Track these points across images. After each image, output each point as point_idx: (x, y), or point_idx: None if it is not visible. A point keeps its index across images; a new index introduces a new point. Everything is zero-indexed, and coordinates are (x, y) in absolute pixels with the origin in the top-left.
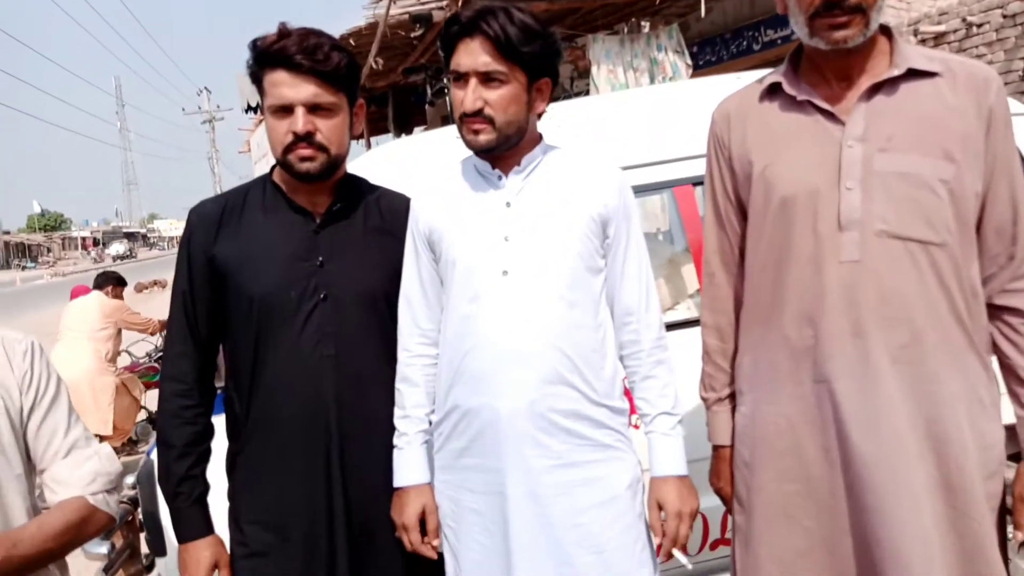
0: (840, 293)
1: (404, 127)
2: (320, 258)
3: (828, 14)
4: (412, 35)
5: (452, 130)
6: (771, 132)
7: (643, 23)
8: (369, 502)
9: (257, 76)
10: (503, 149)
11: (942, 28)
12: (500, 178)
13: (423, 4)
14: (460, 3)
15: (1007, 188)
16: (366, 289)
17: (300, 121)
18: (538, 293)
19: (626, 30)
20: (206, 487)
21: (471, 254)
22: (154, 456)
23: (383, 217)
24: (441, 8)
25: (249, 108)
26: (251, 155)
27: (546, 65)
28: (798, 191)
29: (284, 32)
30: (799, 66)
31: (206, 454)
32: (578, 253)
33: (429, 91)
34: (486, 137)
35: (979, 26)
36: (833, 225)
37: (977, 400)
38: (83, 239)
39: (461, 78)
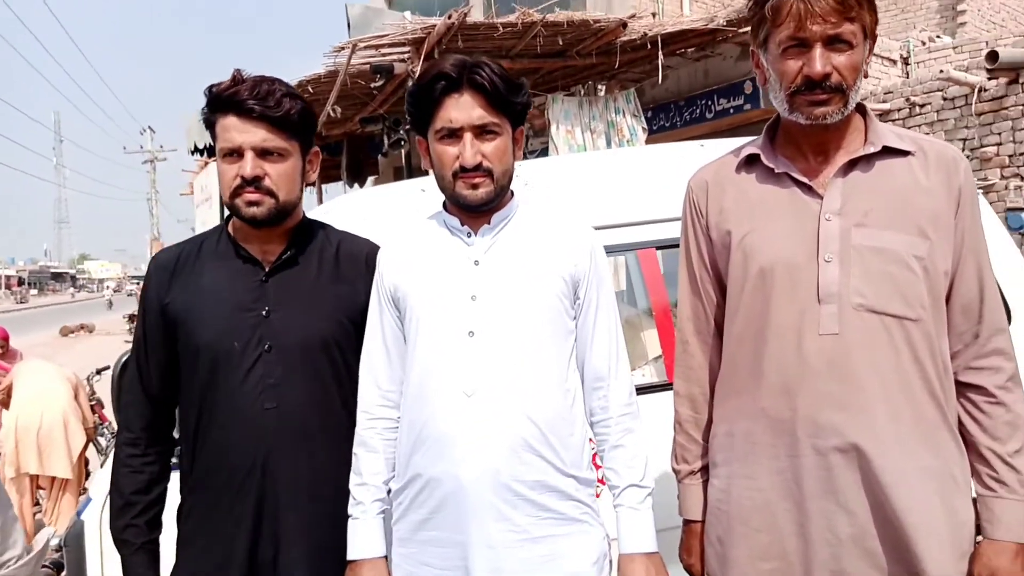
0: (820, 366)
1: (357, 177)
2: (266, 307)
3: (809, 91)
4: (372, 85)
5: (418, 183)
6: (749, 202)
7: (599, 86)
8: (304, 568)
9: (210, 121)
10: (495, 203)
11: (887, 106)
12: (469, 235)
13: (384, 56)
14: (423, 56)
15: (974, 267)
16: (314, 339)
17: (248, 165)
18: (505, 355)
19: (583, 92)
20: (152, 536)
21: (437, 313)
22: (84, 517)
23: (339, 264)
24: (403, 60)
25: (196, 150)
26: (193, 198)
27: (525, 115)
28: (776, 262)
29: (238, 78)
30: (775, 139)
31: (154, 503)
32: (548, 315)
33: (386, 141)
34: (486, 190)
35: (921, 106)
36: (812, 297)
37: (950, 477)
38: (7, 278)
39: (453, 134)
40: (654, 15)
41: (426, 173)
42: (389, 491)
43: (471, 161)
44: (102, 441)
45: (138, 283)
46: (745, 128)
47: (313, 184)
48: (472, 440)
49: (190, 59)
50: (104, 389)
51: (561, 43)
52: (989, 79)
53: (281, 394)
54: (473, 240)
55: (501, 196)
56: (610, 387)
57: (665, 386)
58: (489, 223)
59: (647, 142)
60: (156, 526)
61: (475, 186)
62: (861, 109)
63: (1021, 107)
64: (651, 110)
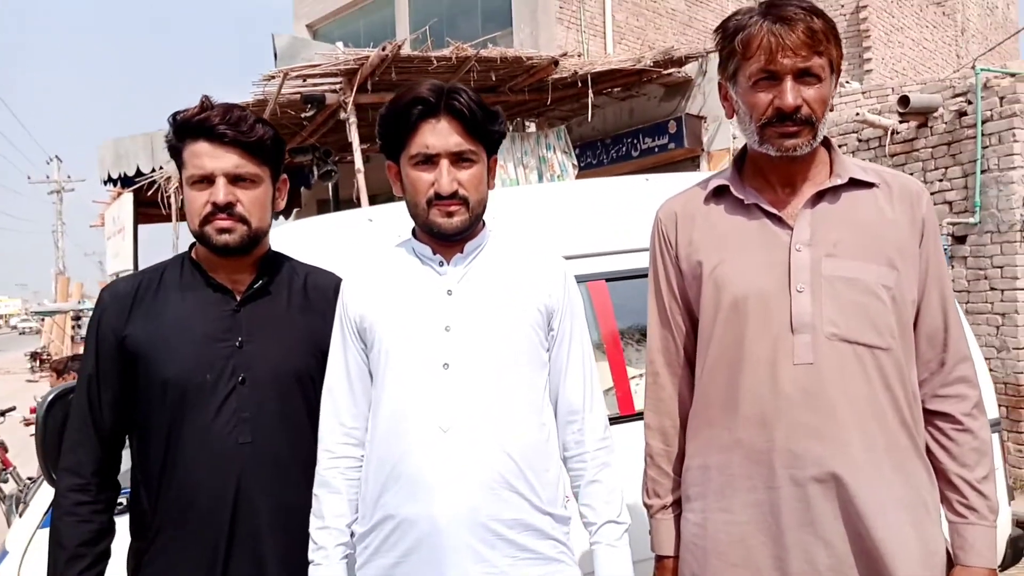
0: (796, 396)
1: (283, 209)
2: (239, 338)
3: (780, 124)
4: (303, 115)
5: (364, 212)
6: (719, 233)
7: (528, 123)
8: None
9: (176, 149)
10: (469, 232)
11: None
12: (441, 264)
13: (315, 86)
14: (355, 87)
15: (938, 296)
16: (289, 370)
17: (221, 191)
18: (482, 388)
19: (512, 128)
20: None
21: (408, 344)
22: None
23: (308, 295)
24: (334, 91)
25: (109, 180)
26: (104, 229)
27: (499, 144)
28: (749, 292)
29: (207, 104)
30: (743, 171)
31: (102, 557)
32: (524, 346)
33: (316, 172)
34: (460, 219)
35: (839, 147)
36: (785, 327)
37: (922, 505)
38: None
39: (429, 160)
40: (579, 55)
41: (352, 205)
42: (352, 534)
43: (447, 188)
44: (4, 487)
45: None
46: (670, 166)
47: (283, 213)
48: (449, 478)
49: (102, 88)
50: (7, 432)
51: (494, 78)
52: (901, 122)
53: (256, 428)
54: (446, 269)
55: (475, 225)
56: (585, 420)
57: (617, 419)
58: (462, 252)
59: (577, 178)
60: None
61: (450, 214)
62: (826, 142)
63: (930, 149)
64: (579, 147)
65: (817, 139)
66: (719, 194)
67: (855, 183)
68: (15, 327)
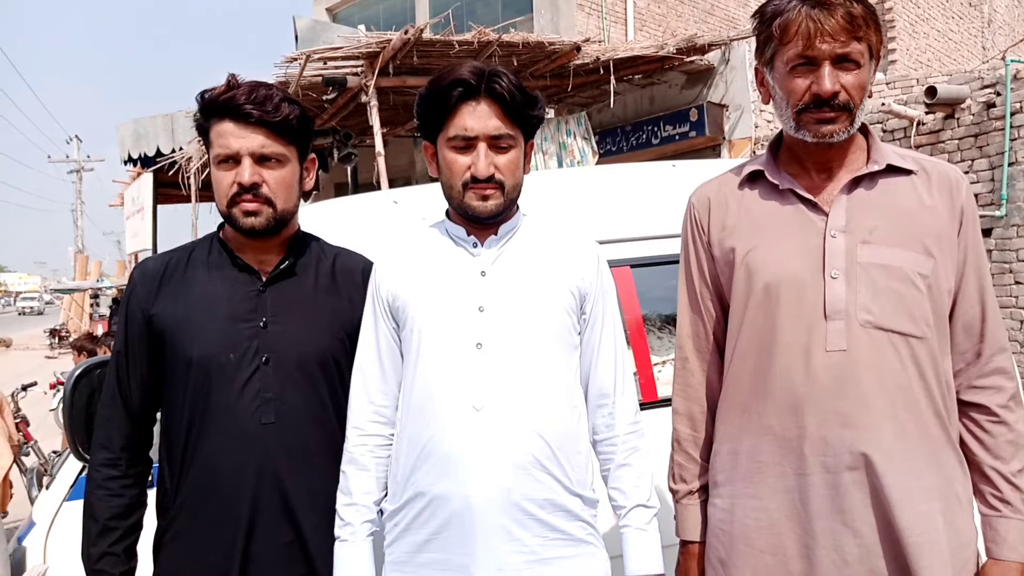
0: (828, 383)
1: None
2: (264, 319)
3: (817, 109)
4: (324, 98)
5: (389, 194)
6: (753, 218)
7: (549, 109)
8: None
9: (203, 128)
10: (504, 216)
11: None
12: (475, 245)
13: (337, 69)
14: (377, 71)
15: (976, 286)
16: (313, 352)
17: (247, 171)
18: (515, 369)
19: None
20: (131, 566)
21: (442, 324)
22: (27, 543)
23: (335, 277)
24: (356, 74)
25: (129, 160)
26: (124, 209)
27: (536, 128)
28: (782, 278)
29: (233, 83)
30: (778, 156)
31: (133, 529)
32: (556, 328)
33: (336, 155)
34: (495, 203)
35: None
36: (818, 314)
37: (954, 496)
38: None
39: (467, 143)
40: (600, 42)
41: (371, 189)
42: (380, 512)
43: (484, 172)
44: (26, 461)
45: (59, 296)
46: (690, 154)
47: (311, 192)
48: (482, 457)
49: (121, 69)
50: (29, 406)
51: (516, 63)
52: (927, 113)
53: (280, 408)
54: (479, 251)
55: (509, 209)
56: (616, 404)
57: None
58: (496, 234)
59: (597, 165)
60: (134, 555)
61: (485, 197)
62: (863, 128)
63: (956, 140)
64: (599, 134)
65: (855, 126)
66: (753, 179)
67: (892, 170)
68: (22, 307)
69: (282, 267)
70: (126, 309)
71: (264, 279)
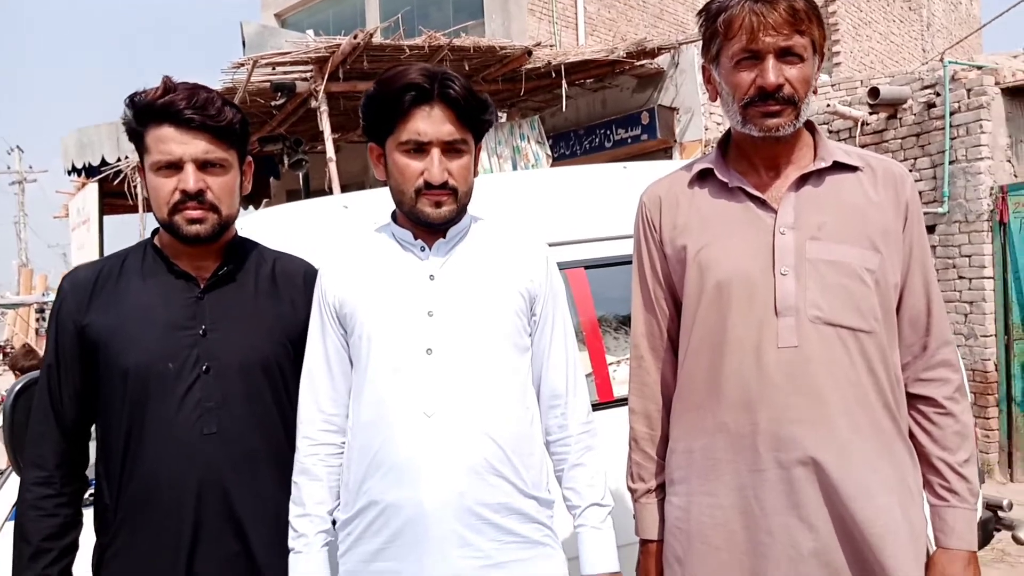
0: (780, 379)
1: (252, 199)
2: (203, 326)
3: (762, 103)
4: (272, 103)
5: (339, 199)
6: (703, 217)
7: (501, 113)
8: None
9: (138, 133)
10: (456, 221)
11: None
12: (423, 249)
13: (286, 74)
14: (326, 76)
15: (921, 280)
16: (255, 359)
17: (191, 178)
18: (466, 373)
19: None
20: None
21: (391, 329)
22: None
23: (276, 281)
24: (305, 79)
25: (73, 170)
26: (69, 221)
27: (486, 131)
28: (733, 275)
29: (170, 86)
30: (727, 154)
31: (68, 550)
32: (507, 331)
33: (286, 161)
34: (448, 208)
35: None
36: (769, 310)
37: (906, 487)
38: None
39: (418, 148)
40: (551, 46)
41: (323, 195)
42: (333, 522)
43: (438, 179)
44: None
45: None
46: (642, 157)
47: (251, 203)
48: (434, 463)
49: (64, 77)
50: None
51: (467, 68)
52: (871, 114)
53: (222, 418)
54: (427, 255)
55: (461, 215)
56: (568, 404)
57: (596, 405)
58: (444, 237)
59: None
60: None
61: (439, 204)
62: (809, 126)
63: (899, 140)
64: (552, 138)
65: (800, 119)
66: (703, 177)
67: (839, 166)
68: None
69: (220, 273)
70: (56, 320)
71: (202, 286)
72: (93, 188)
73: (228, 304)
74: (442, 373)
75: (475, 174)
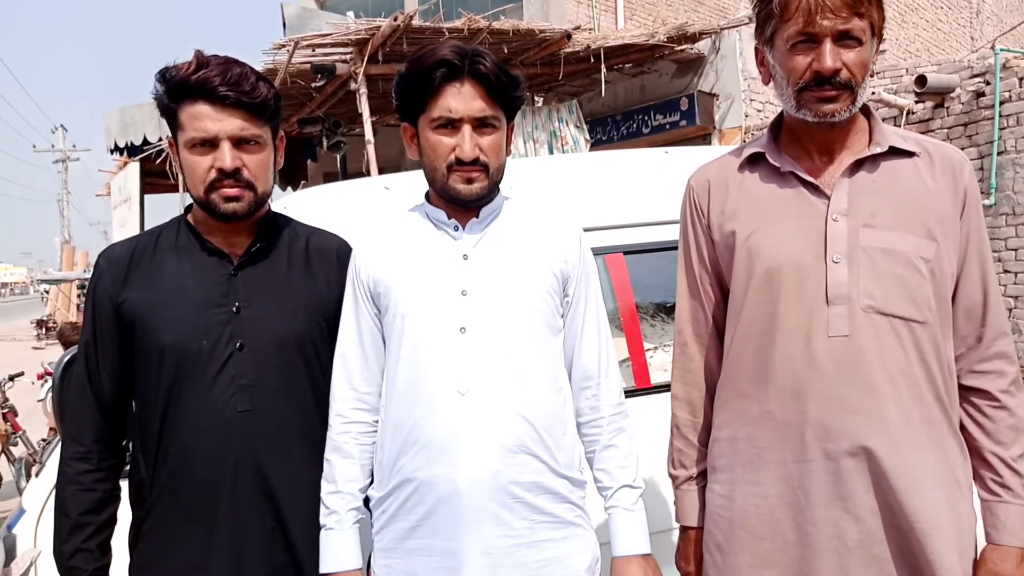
0: (830, 368)
1: (291, 180)
2: (236, 303)
3: (818, 88)
4: (312, 85)
5: (380, 179)
6: (753, 201)
7: (538, 98)
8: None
9: (170, 110)
10: (488, 199)
11: None
12: (457, 229)
13: (326, 56)
14: (366, 58)
15: (978, 270)
16: (288, 336)
17: (228, 156)
18: (499, 352)
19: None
20: (104, 562)
21: (425, 308)
22: (17, 531)
23: (309, 258)
24: (345, 61)
25: (116, 149)
26: (110, 199)
27: (517, 109)
28: (783, 262)
29: (203, 61)
30: (778, 138)
31: (106, 524)
32: (540, 311)
33: (325, 143)
34: (480, 185)
35: None
36: (820, 298)
37: (955, 480)
38: None
39: (451, 124)
40: (590, 30)
41: (362, 177)
42: (365, 499)
43: (470, 155)
44: (14, 451)
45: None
46: (681, 144)
47: (289, 184)
48: (468, 441)
49: (107, 57)
50: (17, 397)
51: (506, 51)
52: (917, 102)
53: (256, 396)
54: (461, 234)
55: (493, 192)
56: (600, 386)
57: (632, 391)
58: (478, 216)
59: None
60: (107, 550)
61: (470, 180)
62: (865, 110)
63: (946, 130)
64: (589, 123)
65: (856, 105)
66: (754, 162)
67: (895, 152)
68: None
69: (253, 250)
70: (93, 297)
71: (235, 263)
72: (135, 167)
73: (261, 281)
74: (476, 352)
75: (508, 152)
